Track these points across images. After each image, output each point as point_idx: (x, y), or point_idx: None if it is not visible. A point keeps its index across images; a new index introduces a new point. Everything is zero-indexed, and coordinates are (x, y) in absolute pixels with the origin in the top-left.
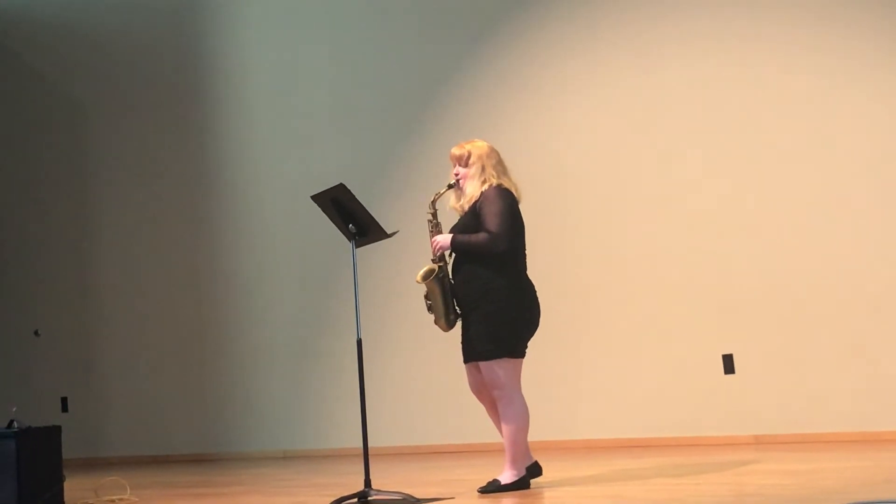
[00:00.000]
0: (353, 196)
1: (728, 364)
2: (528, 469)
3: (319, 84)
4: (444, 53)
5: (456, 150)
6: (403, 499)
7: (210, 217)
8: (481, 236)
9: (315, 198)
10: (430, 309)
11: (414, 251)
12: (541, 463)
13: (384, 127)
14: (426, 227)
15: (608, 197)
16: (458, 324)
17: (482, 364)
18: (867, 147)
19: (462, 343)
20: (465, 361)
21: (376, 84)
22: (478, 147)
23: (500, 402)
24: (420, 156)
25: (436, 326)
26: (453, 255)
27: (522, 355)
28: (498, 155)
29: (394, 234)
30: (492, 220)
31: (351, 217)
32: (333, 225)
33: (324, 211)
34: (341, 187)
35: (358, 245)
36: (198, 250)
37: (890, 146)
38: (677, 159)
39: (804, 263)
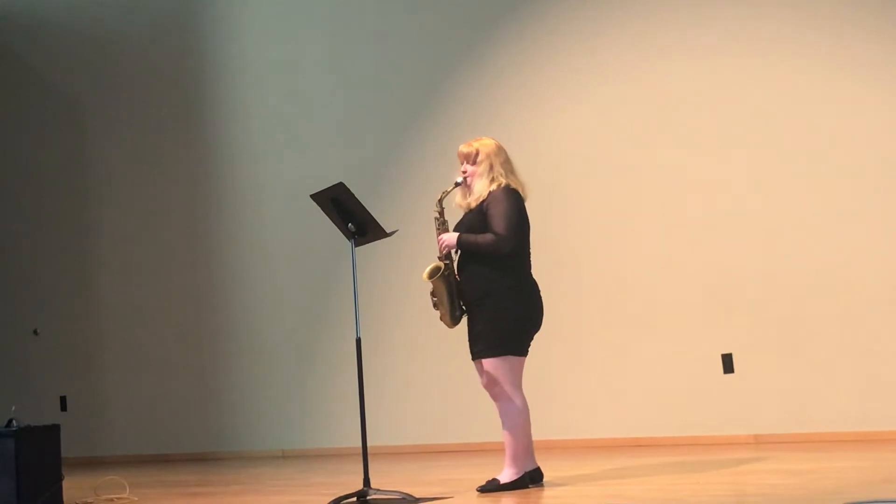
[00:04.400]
0: (353, 195)
1: (727, 363)
2: (528, 473)
3: (320, 83)
4: (445, 52)
5: (464, 148)
6: (402, 498)
7: (209, 216)
8: (488, 237)
9: (314, 196)
10: (435, 306)
11: (414, 250)
12: (540, 462)
13: (384, 126)
14: (426, 227)
15: (608, 196)
16: (464, 321)
17: (484, 361)
18: (867, 147)
19: (469, 340)
20: (473, 359)
21: (376, 83)
22: (486, 145)
23: (500, 401)
24: (420, 154)
25: (436, 326)
26: (459, 252)
27: (524, 354)
28: (505, 153)
29: (393, 233)
30: (499, 221)
31: (350, 216)
32: (333, 224)
33: (323, 210)
34: (341, 186)
35: (357, 244)
36: (197, 249)
37: (890, 146)
38: (678, 159)
39: (804, 263)
